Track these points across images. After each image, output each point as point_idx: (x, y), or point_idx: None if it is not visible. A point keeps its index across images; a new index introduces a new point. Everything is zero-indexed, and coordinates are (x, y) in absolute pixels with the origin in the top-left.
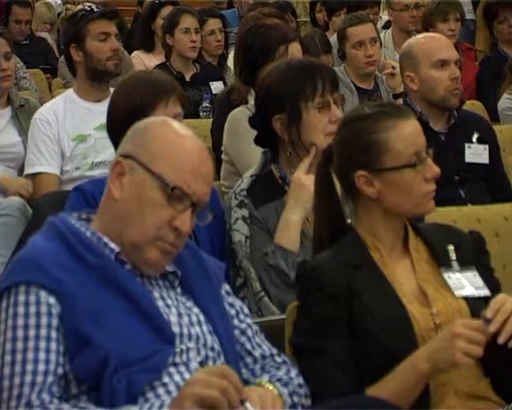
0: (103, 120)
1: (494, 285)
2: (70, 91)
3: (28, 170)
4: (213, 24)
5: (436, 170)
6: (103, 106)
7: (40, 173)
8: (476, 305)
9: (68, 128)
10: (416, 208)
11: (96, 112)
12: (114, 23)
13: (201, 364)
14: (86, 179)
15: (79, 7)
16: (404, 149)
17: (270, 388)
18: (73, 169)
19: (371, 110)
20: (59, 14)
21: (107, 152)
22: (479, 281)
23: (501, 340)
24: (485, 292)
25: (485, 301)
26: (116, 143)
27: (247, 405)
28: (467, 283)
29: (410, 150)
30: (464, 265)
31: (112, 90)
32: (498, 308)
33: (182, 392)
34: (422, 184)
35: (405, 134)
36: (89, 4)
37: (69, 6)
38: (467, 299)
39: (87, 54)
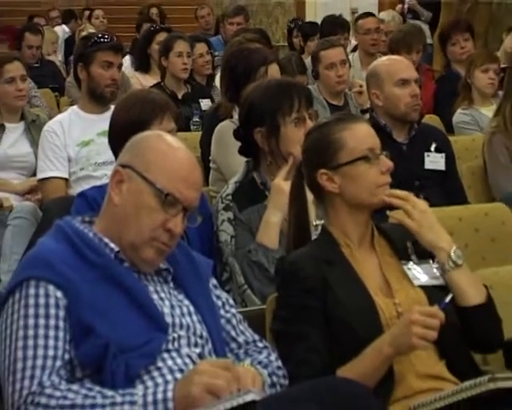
0: (104, 127)
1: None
2: (74, 107)
3: (39, 176)
4: (201, 48)
5: (389, 163)
6: (104, 116)
7: (49, 178)
8: (433, 294)
9: (73, 136)
10: (373, 198)
11: (98, 121)
12: (121, 55)
13: (192, 351)
14: (92, 179)
15: (90, 30)
16: (357, 144)
17: (252, 369)
18: (79, 170)
19: (329, 119)
20: (66, 39)
21: (108, 154)
22: (434, 272)
23: None
24: (440, 281)
25: (440, 289)
26: (116, 154)
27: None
28: (424, 273)
29: (363, 146)
30: (422, 258)
31: (112, 105)
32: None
33: (190, 379)
34: (378, 177)
35: (357, 133)
36: (101, 33)
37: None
38: (424, 289)
39: (90, 75)
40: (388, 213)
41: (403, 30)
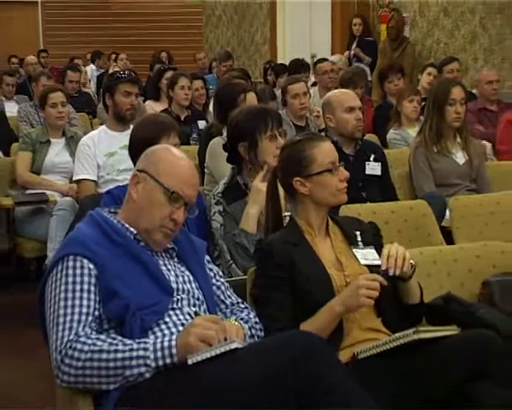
0: (125, 142)
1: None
2: (103, 126)
3: (75, 177)
4: (198, 83)
5: (346, 173)
6: (125, 133)
7: (83, 179)
8: (373, 270)
9: (102, 148)
10: (334, 198)
11: (120, 137)
12: (137, 86)
13: (191, 309)
14: (115, 181)
15: (116, 69)
16: (324, 159)
17: (236, 323)
18: (106, 175)
19: (300, 137)
20: (98, 76)
21: (128, 163)
22: (375, 255)
23: (391, 273)
24: (379, 262)
25: (378, 267)
26: (134, 162)
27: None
28: (368, 256)
29: (328, 160)
30: (366, 244)
31: (131, 125)
32: (386, 254)
33: (187, 331)
34: (338, 183)
35: (324, 150)
36: (122, 70)
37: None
38: (367, 266)
39: (114, 102)
40: None
41: (350, 71)
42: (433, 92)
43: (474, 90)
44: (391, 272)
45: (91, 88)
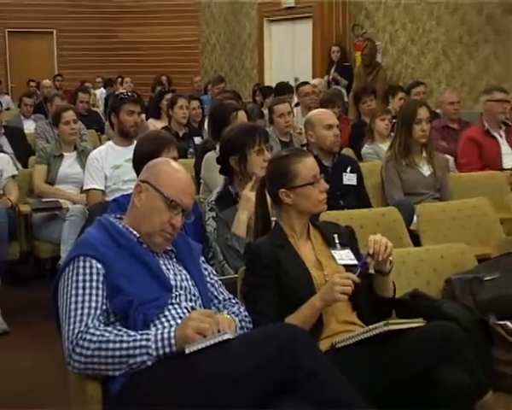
0: (129, 155)
1: (360, 257)
2: (110, 142)
3: (85, 187)
4: (195, 104)
5: (326, 185)
6: (129, 148)
7: (92, 189)
8: (349, 269)
9: (109, 161)
10: (315, 208)
11: (125, 151)
12: (139, 105)
13: (188, 304)
14: (121, 191)
15: (122, 90)
16: (307, 173)
17: (228, 317)
18: (112, 185)
19: (286, 152)
20: (105, 97)
21: (132, 174)
22: (351, 255)
23: (375, 258)
24: (355, 262)
25: (354, 266)
26: (138, 173)
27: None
28: (344, 256)
29: (310, 174)
30: (343, 246)
31: (134, 141)
32: (373, 240)
33: (185, 323)
34: (318, 194)
35: (307, 165)
36: (125, 91)
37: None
38: (344, 265)
39: (119, 120)
40: None
41: (329, 93)
42: (401, 112)
43: (437, 110)
44: (375, 258)
45: (100, 107)
